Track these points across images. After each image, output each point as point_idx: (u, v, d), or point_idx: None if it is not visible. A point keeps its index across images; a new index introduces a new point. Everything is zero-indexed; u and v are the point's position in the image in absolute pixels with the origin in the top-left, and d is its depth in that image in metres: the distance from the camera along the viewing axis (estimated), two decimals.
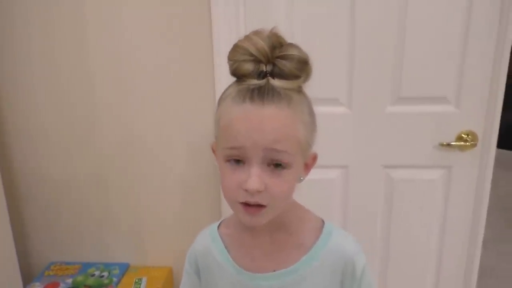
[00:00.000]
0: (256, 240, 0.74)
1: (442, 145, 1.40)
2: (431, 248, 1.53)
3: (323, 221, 0.76)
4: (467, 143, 1.38)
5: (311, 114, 0.67)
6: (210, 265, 0.79)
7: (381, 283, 1.58)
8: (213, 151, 0.72)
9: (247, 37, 0.62)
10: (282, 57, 0.62)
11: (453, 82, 1.36)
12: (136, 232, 1.66)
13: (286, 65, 0.62)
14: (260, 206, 0.64)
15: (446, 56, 1.34)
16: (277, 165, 0.62)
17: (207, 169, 1.54)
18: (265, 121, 0.61)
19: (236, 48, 0.63)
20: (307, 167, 0.71)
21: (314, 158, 0.71)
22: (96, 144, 1.56)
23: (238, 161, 0.63)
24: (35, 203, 1.66)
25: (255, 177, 0.61)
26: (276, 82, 0.62)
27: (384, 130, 1.42)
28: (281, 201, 0.65)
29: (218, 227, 0.81)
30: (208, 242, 0.79)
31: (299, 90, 0.66)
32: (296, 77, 0.63)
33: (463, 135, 1.39)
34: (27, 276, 1.67)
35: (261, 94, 0.62)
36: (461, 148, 1.40)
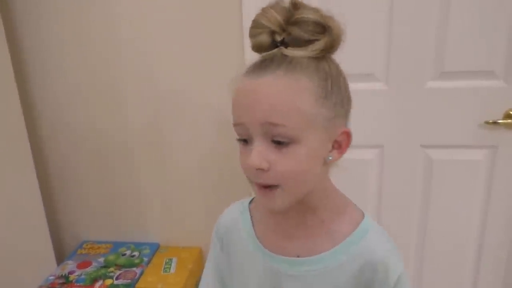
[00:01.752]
0: (284, 222, 0.69)
1: (487, 123, 1.30)
2: (472, 234, 1.44)
3: (363, 215, 0.69)
4: None
5: (326, 83, 0.58)
6: (234, 239, 0.75)
7: (417, 271, 1.51)
8: None
9: (262, 10, 0.59)
10: (295, 23, 0.57)
11: (501, 55, 1.25)
12: (167, 212, 1.66)
13: (298, 31, 0.57)
14: (272, 187, 0.59)
15: (494, 27, 1.23)
16: (277, 141, 0.57)
17: (232, 148, 1.49)
18: (258, 92, 0.57)
19: (252, 23, 0.60)
20: (339, 145, 0.63)
21: (347, 134, 0.62)
22: (127, 123, 1.55)
23: (245, 140, 0.60)
24: (68, 183, 1.68)
25: (254, 154, 0.57)
26: (287, 51, 0.57)
27: (424, 107, 1.33)
28: (293, 181, 0.59)
29: (250, 201, 0.78)
30: (237, 214, 0.76)
31: (321, 57, 0.59)
32: (309, 42, 0.57)
33: (511, 112, 1.28)
34: (60, 254, 1.71)
35: (264, 65, 0.58)
36: (508, 126, 1.29)
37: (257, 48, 0.61)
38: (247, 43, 1.29)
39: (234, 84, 0.61)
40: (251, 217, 0.75)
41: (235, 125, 0.60)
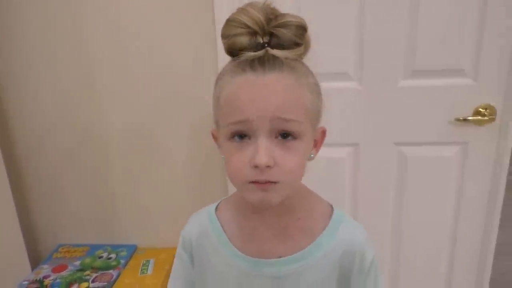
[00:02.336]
0: (260, 223, 0.69)
1: (458, 120, 1.33)
2: (445, 229, 1.48)
3: (331, 207, 0.71)
4: (485, 118, 1.31)
5: (317, 83, 0.63)
6: (205, 249, 0.73)
7: (392, 266, 1.54)
8: (214, 137, 0.67)
9: (240, 9, 0.58)
10: (280, 26, 0.57)
11: (470, 54, 1.28)
12: (144, 214, 1.64)
13: (285, 33, 0.57)
14: (272, 183, 0.58)
15: (463, 25, 1.26)
16: (285, 136, 0.57)
17: (213, 151, 1.49)
18: (268, 88, 0.57)
19: (229, 22, 0.58)
20: (316, 143, 0.66)
21: (323, 133, 0.67)
22: (106, 124, 1.53)
23: (243, 137, 0.58)
24: (41, 186, 1.65)
25: (263, 151, 0.56)
26: (276, 52, 0.58)
27: (396, 106, 1.36)
28: (293, 177, 0.60)
29: (216, 208, 0.76)
30: (205, 223, 0.74)
31: (300, 60, 0.61)
32: (296, 44, 0.59)
33: (480, 109, 1.32)
34: (36, 258, 1.68)
35: (262, 62, 0.58)
36: (478, 123, 1.33)
37: (235, 48, 0.59)
38: (221, 51, 1.31)
39: (226, 85, 0.59)
40: (221, 224, 0.73)
41: (236, 123, 0.58)
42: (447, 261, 1.52)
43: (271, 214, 0.68)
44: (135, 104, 1.49)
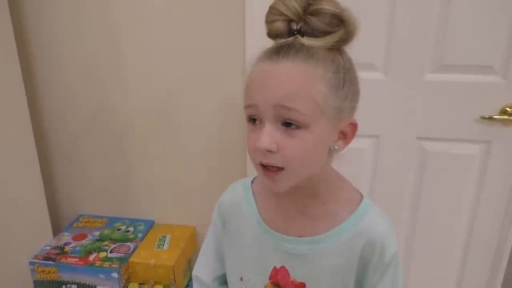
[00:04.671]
0: (286, 203, 0.72)
1: (483, 118, 1.30)
2: (461, 227, 1.46)
3: (361, 196, 0.71)
4: None
5: (340, 78, 0.60)
6: (237, 217, 0.77)
7: (404, 261, 1.54)
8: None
9: None
10: (313, 13, 0.58)
11: (501, 51, 1.25)
12: (162, 190, 1.68)
13: (316, 22, 0.58)
14: (278, 169, 0.61)
15: (496, 22, 1.23)
16: (288, 124, 0.59)
17: (234, 132, 1.51)
18: (276, 76, 0.58)
19: (269, 9, 0.61)
20: (345, 135, 0.65)
21: (353, 126, 0.65)
22: (130, 100, 1.56)
23: (255, 120, 0.62)
24: (68, 156, 1.71)
25: (264, 135, 0.59)
26: (304, 40, 0.59)
27: (421, 99, 1.34)
28: (298, 164, 0.61)
29: (252, 181, 0.80)
30: (240, 193, 0.78)
31: (335, 49, 0.61)
32: (326, 33, 0.59)
33: (507, 108, 1.29)
34: (57, 226, 1.74)
35: (280, 50, 0.59)
36: (504, 122, 1.30)
37: (272, 34, 0.62)
38: (249, 31, 1.32)
39: (250, 67, 0.62)
40: (254, 195, 0.77)
41: (247, 106, 0.62)
42: (460, 259, 1.51)
43: (296, 196, 0.69)
44: (159, 79, 1.51)
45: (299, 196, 0.69)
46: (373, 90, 1.35)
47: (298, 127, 0.59)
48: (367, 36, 1.28)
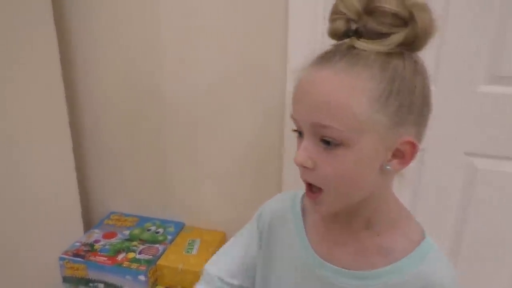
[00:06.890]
0: (334, 227, 0.65)
1: None
2: (510, 253, 1.35)
3: (423, 234, 0.64)
4: None
5: (394, 84, 0.52)
6: (279, 231, 0.71)
7: None
8: None
9: None
10: (369, 12, 0.52)
11: None
12: (196, 193, 1.65)
13: (372, 22, 0.52)
14: (317, 190, 0.57)
15: None
16: (326, 141, 0.54)
17: (272, 140, 1.45)
18: (313, 87, 0.54)
19: (332, 7, 0.57)
20: (402, 155, 0.57)
21: (411, 145, 0.56)
22: (166, 100, 1.53)
23: (300, 133, 0.58)
24: (102, 153, 1.71)
25: (300, 150, 0.56)
26: (359, 43, 0.53)
27: (473, 112, 1.25)
28: (336, 185, 0.56)
29: (303, 195, 0.72)
30: (287, 205, 0.72)
31: (396, 54, 0.53)
32: (383, 35, 0.52)
33: None
34: (88, 223, 1.75)
35: (325, 55, 0.55)
36: None
37: (332, 34, 0.58)
38: (292, 36, 1.26)
39: (300, 71, 0.58)
40: (302, 211, 0.70)
41: (291, 117, 0.59)
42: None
43: (345, 220, 0.63)
44: (198, 84, 1.47)
45: (350, 223, 0.63)
46: None
47: (337, 144, 0.53)
48: None
